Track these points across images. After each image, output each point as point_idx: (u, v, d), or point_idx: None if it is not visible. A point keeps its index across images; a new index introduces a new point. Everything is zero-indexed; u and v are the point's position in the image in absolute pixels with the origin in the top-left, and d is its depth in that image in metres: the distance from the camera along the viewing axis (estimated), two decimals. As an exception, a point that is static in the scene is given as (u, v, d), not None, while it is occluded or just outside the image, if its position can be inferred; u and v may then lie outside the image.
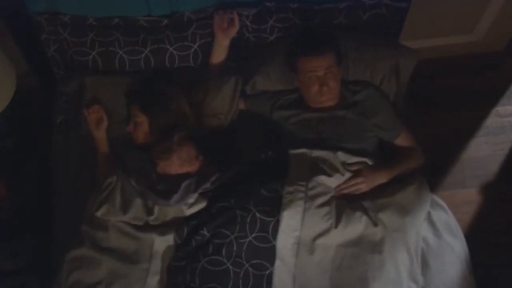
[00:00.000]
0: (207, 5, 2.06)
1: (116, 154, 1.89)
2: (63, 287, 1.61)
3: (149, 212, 1.71)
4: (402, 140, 1.91)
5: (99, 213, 1.70)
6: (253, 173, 1.78)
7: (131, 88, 1.93)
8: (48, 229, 1.85)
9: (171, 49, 2.03)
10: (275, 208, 1.65)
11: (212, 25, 2.02)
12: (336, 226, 1.64)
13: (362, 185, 1.74)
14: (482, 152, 2.40)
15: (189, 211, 1.71)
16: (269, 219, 1.63)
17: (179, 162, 1.76)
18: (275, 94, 2.01)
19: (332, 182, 1.73)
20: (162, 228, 1.69)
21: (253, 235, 1.62)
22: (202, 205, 1.71)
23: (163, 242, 1.67)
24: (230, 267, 1.59)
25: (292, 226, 1.64)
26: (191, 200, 1.71)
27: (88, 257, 1.63)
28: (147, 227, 1.70)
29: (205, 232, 1.64)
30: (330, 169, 1.74)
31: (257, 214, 1.63)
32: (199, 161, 1.79)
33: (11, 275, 1.84)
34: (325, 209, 1.67)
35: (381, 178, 1.78)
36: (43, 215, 1.93)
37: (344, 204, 1.70)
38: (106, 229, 1.68)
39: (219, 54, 2.03)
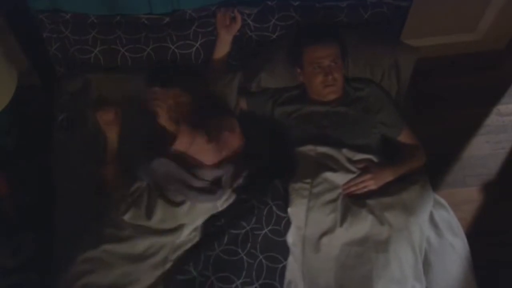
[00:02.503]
0: (208, 3, 2.06)
1: (123, 152, 1.88)
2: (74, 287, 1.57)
3: (176, 205, 1.68)
4: (404, 138, 1.90)
5: (126, 217, 1.68)
6: (260, 172, 1.79)
7: (156, 76, 1.89)
8: (49, 226, 1.84)
9: (173, 47, 2.03)
10: (287, 204, 1.68)
11: (215, 23, 2.02)
12: (341, 225, 1.64)
13: (370, 182, 1.73)
14: (483, 151, 2.40)
15: (223, 206, 1.71)
16: (283, 214, 1.66)
17: (240, 136, 1.82)
18: (277, 92, 2.01)
19: (338, 178, 1.73)
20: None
21: (269, 228, 1.63)
22: (232, 199, 1.72)
23: (184, 238, 1.68)
24: (244, 257, 1.60)
25: (297, 224, 1.66)
26: (225, 196, 1.72)
27: (101, 259, 1.60)
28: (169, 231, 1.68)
29: (222, 222, 1.65)
30: (336, 166, 1.74)
31: (274, 208, 1.65)
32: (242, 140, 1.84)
33: (12, 272, 1.84)
34: (330, 206, 1.67)
35: (388, 176, 1.76)
36: (44, 212, 1.93)
37: (350, 202, 1.69)
38: (124, 230, 1.66)
39: (221, 50, 2.04)
